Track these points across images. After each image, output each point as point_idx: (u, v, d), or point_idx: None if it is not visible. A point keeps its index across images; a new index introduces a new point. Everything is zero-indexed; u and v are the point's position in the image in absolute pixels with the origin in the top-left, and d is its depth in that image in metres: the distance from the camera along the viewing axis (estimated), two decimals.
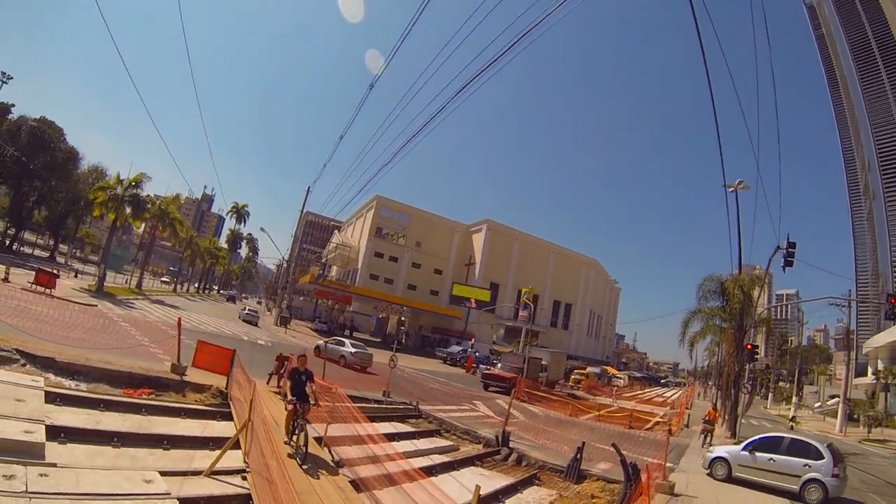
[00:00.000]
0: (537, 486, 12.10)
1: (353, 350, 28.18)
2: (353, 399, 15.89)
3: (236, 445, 8.19)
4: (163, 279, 53.95)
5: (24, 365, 10.59)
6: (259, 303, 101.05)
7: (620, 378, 64.34)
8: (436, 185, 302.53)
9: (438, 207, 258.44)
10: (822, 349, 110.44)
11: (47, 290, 24.07)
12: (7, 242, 57.98)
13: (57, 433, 7.20)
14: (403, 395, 18.76)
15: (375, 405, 16.29)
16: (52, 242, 70.82)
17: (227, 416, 11.06)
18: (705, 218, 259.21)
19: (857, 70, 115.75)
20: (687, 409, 33.94)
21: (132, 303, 35.08)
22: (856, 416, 43.79)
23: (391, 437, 12.99)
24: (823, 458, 12.73)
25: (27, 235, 69.54)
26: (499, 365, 36.33)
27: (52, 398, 8.63)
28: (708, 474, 14.33)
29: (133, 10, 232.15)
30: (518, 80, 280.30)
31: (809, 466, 12.73)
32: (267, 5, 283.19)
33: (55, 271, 29.28)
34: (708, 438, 20.55)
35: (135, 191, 40.53)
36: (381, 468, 8.57)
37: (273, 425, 10.04)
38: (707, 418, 21.67)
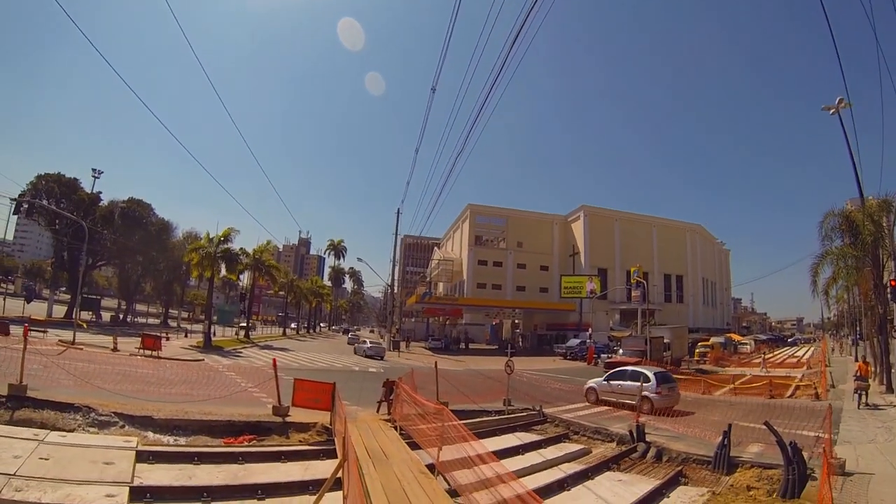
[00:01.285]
0: (684, 484, 10.88)
1: (370, 344, 44.74)
2: (472, 413, 15.72)
3: (339, 485, 7.69)
4: (241, 325, 57.33)
5: (122, 427, 11.05)
6: (372, 331, 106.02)
7: (746, 343, 62.27)
8: (521, 182, 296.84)
9: (532, 204, 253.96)
10: None
11: (154, 353, 26.19)
12: (120, 316, 65.25)
13: (143, 494, 7.15)
14: (525, 401, 18.38)
15: (497, 416, 16.01)
16: (162, 309, 78.57)
17: (332, 454, 10.76)
18: (815, 149, 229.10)
19: None
20: (826, 366, 31.54)
21: (240, 352, 37.46)
22: None
23: (515, 451, 12.44)
24: (650, 381, 18.51)
25: (139, 307, 77.93)
26: (620, 351, 36.17)
27: (144, 457, 8.76)
28: (587, 402, 20.59)
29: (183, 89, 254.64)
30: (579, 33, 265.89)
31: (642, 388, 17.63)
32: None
33: (162, 334, 32.06)
34: (863, 397, 19.40)
35: (225, 246, 43.42)
36: (497, 495, 7.59)
37: (381, 457, 9.57)
38: (859, 374, 20.05)
